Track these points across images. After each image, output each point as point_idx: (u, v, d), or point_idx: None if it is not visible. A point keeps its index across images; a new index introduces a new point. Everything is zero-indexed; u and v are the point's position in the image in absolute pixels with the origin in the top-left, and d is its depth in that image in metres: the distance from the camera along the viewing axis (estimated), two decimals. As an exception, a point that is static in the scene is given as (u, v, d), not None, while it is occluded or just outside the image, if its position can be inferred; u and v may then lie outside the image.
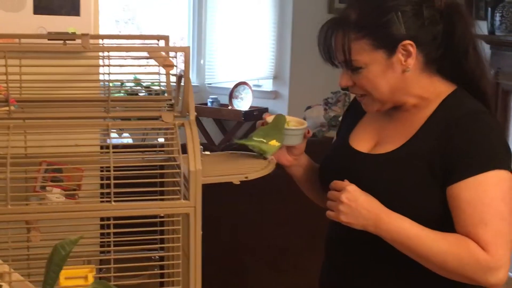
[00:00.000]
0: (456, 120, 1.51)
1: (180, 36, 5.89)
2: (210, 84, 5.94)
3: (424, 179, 1.51)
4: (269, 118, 1.72)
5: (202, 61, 5.90)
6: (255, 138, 1.67)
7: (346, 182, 1.52)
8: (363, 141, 1.66)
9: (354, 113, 1.74)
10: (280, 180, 2.57)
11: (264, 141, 1.66)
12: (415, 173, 1.52)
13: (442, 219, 1.50)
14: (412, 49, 1.50)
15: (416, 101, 1.58)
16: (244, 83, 5.69)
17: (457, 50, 1.55)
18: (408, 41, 1.50)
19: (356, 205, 1.49)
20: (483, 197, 1.46)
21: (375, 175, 1.56)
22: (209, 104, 5.70)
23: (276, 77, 5.79)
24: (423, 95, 1.57)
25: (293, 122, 1.73)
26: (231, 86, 5.68)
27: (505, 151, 1.51)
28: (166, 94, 1.79)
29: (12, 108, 1.55)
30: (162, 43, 1.83)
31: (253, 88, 5.73)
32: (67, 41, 1.73)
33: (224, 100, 5.68)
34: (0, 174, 1.45)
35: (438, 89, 1.57)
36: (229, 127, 5.77)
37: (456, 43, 1.54)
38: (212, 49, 5.86)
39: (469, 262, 1.45)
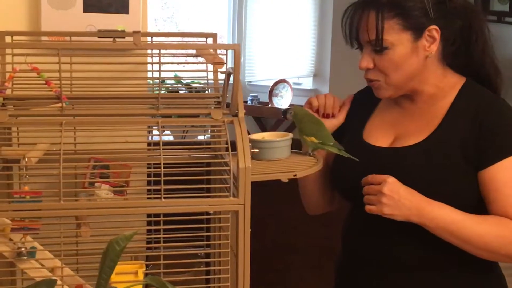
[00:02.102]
0: (483, 107, 1.57)
1: (220, 35, 5.91)
2: (250, 82, 5.95)
3: (458, 166, 1.55)
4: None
5: (242, 59, 5.90)
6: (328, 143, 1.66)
7: (384, 175, 1.53)
8: (380, 137, 1.68)
9: (360, 110, 1.76)
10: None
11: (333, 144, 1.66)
12: (448, 161, 1.56)
13: (477, 203, 1.56)
14: (437, 35, 1.57)
15: (433, 90, 1.63)
16: (284, 81, 5.68)
17: (474, 49, 1.63)
18: (434, 26, 1.56)
19: (399, 196, 1.51)
20: None
21: (407, 168, 1.58)
22: (249, 102, 5.70)
23: (316, 75, 5.77)
24: (439, 84, 1.63)
25: (275, 136, 1.71)
26: (270, 84, 5.67)
27: None
28: (209, 91, 1.79)
29: (64, 105, 1.57)
30: (209, 41, 1.83)
31: (293, 86, 5.71)
32: (117, 39, 1.74)
33: (264, 98, 5.67)
34: (52, 170, 1.48)
35: (451, 80, 1.64)
36: (269, 125, 5.77)
37: (474, 42, 1.62)
38: (252, 47, 5.86)
39: None
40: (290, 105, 5.65)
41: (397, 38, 1.55)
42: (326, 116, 1.77)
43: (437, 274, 1.61)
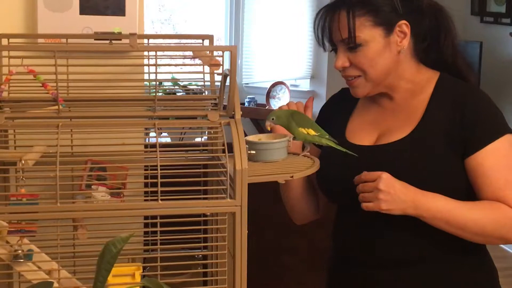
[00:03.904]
0: (461, 96, 1.61)
1: (217, 37, 5.91)
2: (247, 84, 5.94)
3: (444, 157, 1.59)
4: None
5: (239, 61, 5.90)
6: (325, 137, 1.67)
7: (378, 171, 1.55)
8: (363, 136, 1.71)
9: (337, 112, 1.79)
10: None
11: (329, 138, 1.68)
12: (434, 153, 1.59)
13: (466, 191, 1.60)
14: (407, 30, 1.62)
15: (409, 86, 1.68)
16: (281, 82, 5.68)
17: (444, 46, 1.68)
18: (404, 21, 1.62)
19: (394, 190, 1.53)
20: (505, 160, 1.58)
21: (394, 163, 1.61)
22: (246, 104, 5.70)
23: (313, 77, 5.77)
24: (414, 79, 1.68)
25: (271, 137, 1.70)
26: (268, 86, 5.67)
27: (504, 117, 1.64)
28: (206, 93, 1.79)
29: (60, 107, 1.57)
30: (206, 42, 1.84)
31: (290, 88, 5.70)
32: (113, 41, 1.74)
33: (261, 100, 5.67)
34: (49, 172, 1.47)
35: (426, 75, 1.69)
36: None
37: (443, 40, 1.68)
38: (249, 49, 5.86)
39: (506, 223, 1.55)
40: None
41: (369, 34, 1.60)
42: None
43: (431, 266, 1.63)
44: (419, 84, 1.68)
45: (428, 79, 1.68)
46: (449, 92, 1.64)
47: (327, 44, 1.68)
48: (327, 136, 1.67)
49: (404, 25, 1.62)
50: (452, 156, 1.59)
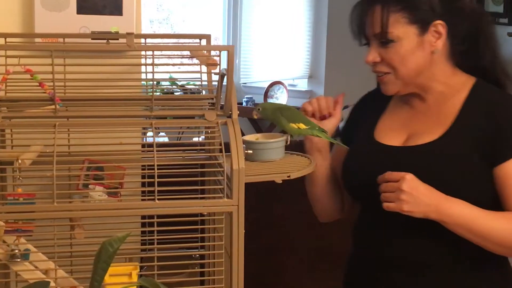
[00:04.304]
0: (496, 104, 1.58)
1: (215, 36, 5.90)
2: (245, 83, 5.94)
3: (473, 163, 1.55)
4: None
5: (237, 61, 5.90)
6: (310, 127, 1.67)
7: (402, 172, 1.52)
8: (392, 136, 1.68)
9: (370, 111, 1.77)
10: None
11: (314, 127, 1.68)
12: (463, 159, 1.56)
13: (492, 200, 1.56)
14: (443, 31, 1.58)
15: (442, 88, 1.64)
16: (279, 82, 5.68)
17: (484, 52, 1.64)
18: (440, 21, 1.57)
19: (418, 192, 1.50)
20: None
21: (421, 166, 1.57)
22: (244, 103, 5.70)
23: (311, 77, 5.77)
24: (448, 82, 1.64)
25: (268, 137, 1.71)
26: (266, 85, 5.67)
27: None
28: (204, 93, 1.79)
29: (57, 106, 1.57)
30: (203, 42, 1.83)
31: (288, 88, 5.71)
32: (110, 40, 1.74)
33: (259, 99, 5.67)
34: (46, 172, 1.47)
35: (461, 79, 1.65)
36: (264, 127, 5.77)
37: (483, 45, 1.63)
38: (247, 48, 5.86)
39: None
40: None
41: (402, 31, 1.57)
42: (323, 118, 1.78)
43: (448, 272, 1.60)
44: (453, 87, 1.64)
45: (463, 83, 1.64)
46: (483, 99, 1.60)
47: (362, 38, 1.64)
48: (317, 128, 1.67)
49: (440, 26, 1.58)
50: (481, 164, 1.56)
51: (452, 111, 1.62)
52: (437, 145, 1.59)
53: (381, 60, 1.61)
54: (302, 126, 1.66)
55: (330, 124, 1.76)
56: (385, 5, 1.57)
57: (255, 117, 1.74)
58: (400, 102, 1.73)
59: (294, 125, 1.66)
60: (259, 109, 1.73)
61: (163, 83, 2.17)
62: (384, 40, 1.58)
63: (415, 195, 1.50)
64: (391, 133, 1.69)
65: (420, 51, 1.59)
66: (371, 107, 1.78)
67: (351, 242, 1.78)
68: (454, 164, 1.56)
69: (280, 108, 1.71)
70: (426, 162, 1.58)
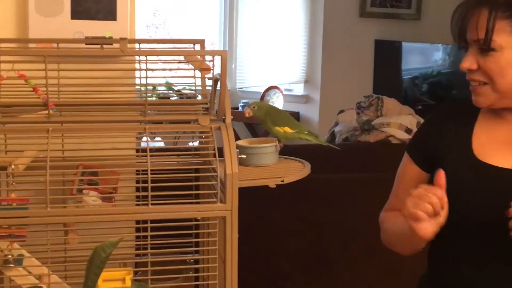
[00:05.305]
0: None
1: (211, 41, 5.91)
2: (241, 88, 5.95)
3: None
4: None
5: (233, 65, 5.91)
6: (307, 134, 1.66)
7: None
8: (497, 156, 1.51)
9: (456, 126, 1.58)
10: (316, 184, 2.56)
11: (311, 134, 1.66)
12: None
13: None
14: None
15: None
16: (275, 87, 5.69)
17: None
18: None
19: None
20: None
21: None
22: (240, 108, 5.70)
23: (307, 81, 5.78)
24: None
25: (262, 142, 1.70)
26: (262, 90, 5.68)
27: None
28: (199, 97, 1.79)
29: (51, 112, 1.57)
30: (197, 47, 1.84)
31: (284, 93, 5.71)
32: (104, 46, 1.74)
33: (255, 104, 5.68)
34: (39, 177, 1.47)
35: None
36: (260, 132, 5.77)
37: None
38: (243, 53, 5.87)
39: None
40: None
41: (507, 40, 1.43)
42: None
43: None
44: None
45: None
46: None
47: (462, 41, 1.49)
48: (306, 132, 1.64)
49: None
50: None
51: None
52: None
53: (478, 68, 1.48)
54: (287, 129, 1.65)
55: (436, 224, 1.43)
56: (493, 9, 1.43)
57: (247, 115, 1.72)
58: (492, 116, 1.56)
59: (279, 129, 1.65)
60: (254, 107, 1.72)
61: (156, 88, 2.16)
62: (485, 48, 1.44)
63: None
64: (494, 152, 1.52)
65: None
66: (455, 122, 1.59)
67: (429, 268, 1.61)
68: None
69: (269, 109, 1.71)
70: None
